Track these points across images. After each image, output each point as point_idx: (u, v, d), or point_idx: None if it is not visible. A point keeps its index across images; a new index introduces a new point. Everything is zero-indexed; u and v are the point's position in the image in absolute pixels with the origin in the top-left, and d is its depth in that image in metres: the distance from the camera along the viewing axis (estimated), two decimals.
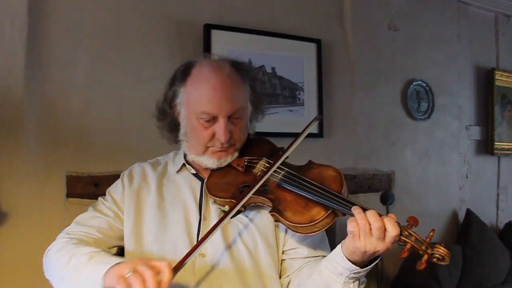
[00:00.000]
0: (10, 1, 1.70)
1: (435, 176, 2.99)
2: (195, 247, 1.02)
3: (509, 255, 2.96)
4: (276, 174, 1.15)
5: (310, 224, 1.04)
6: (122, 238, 1.23)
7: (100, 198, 1.29)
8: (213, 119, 1.16)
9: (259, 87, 1.35)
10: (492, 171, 3.37)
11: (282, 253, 1.21)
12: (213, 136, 1.18)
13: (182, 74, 1.21)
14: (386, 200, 2.53)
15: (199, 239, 1.14)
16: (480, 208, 3.12)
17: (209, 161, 1.21)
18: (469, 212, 3.00)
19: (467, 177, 3.17)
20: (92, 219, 1.22)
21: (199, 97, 1.16)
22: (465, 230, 2.95)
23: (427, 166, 2.95)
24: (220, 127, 1.15)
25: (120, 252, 1.26)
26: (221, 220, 1.06)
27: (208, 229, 1.15)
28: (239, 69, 1.24)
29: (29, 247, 1.72)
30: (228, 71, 1.19)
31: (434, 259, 0.95)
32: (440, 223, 3.02)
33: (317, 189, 1.08)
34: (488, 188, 3.35)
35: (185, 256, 1.00)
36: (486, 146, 3.28)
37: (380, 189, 2.65)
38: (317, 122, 1.28)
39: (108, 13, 1.92)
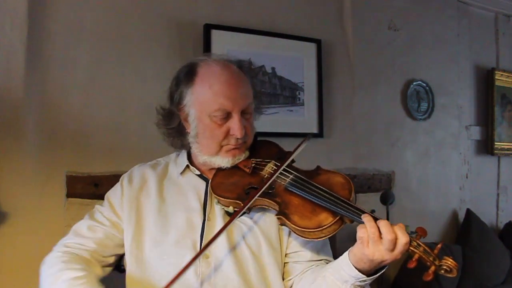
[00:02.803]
0: (10, 1, 1.70)
1: (435, 176, 2.99)
2: (189, 264, 1.03)
3: (509, 255, 2.96)
4: (284, 178, 1.14)
5: (318, 229, 1.03)
6: (120, 246, 1.22)
7: (97, 206, 1.28)
8: (227, 116, 1.16)
9: (258, 85, 1.35)
10: (492, 171, 3.38)
11: (285, 256, 1.20)
12: (227, 133, 1.17)
13: (187, 75, 1.19)
14: (386, 200, 2.53)
15: (203, 241, 1.14)
16: (480, 208, 3.12)
17: (223, 161, 1.20)
18: (469, 212, 3.00)
19: (467, 177, 3.17)
20: (88, 229, 1.21)
21: (212, 95, 1.14)
22: (465, 230, 2.95)
23: (427, 166, 2.96)
24: (235, 123, 1.15)
25: (118, 260, 1.26)
26: (223, 228, 1.07)
27: (212, 230, 1.15)
28: (241, 66, 1.24)
29: (29, 247, 1.72)
30: (235, 67, 1.20)
31: (442, 271, 0.94)
32: (440, 223, 3.02)
33: (326, 194, 1.07)
34: (488, 188, 3.35)
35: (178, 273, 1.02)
36: (486, 146, 3.28)
37: (380, 189, 2.65)
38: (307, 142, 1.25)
39: (108, 13, 1.92)
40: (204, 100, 1.16)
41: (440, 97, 3.00)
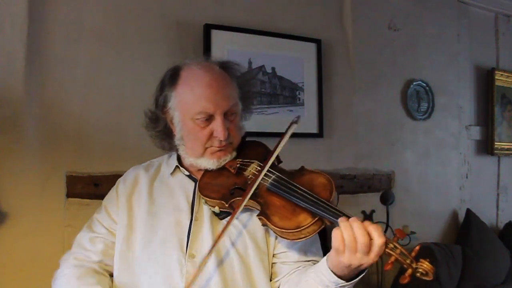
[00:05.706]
0: (10, 1, 1.70)
1: (435, 176, 2.99)
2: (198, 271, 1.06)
3: (509, 255, 2.96)
4: (267, 178, 1.15)
5: (296, 230, 1.03)
6: None
7: (94, 215, 1.29)
8: (210, 118, 1.16)
9: (247, 85, 1.35)
10: (492, 171, 3.37)
11: (273, 256, 1.20)
12: (211, 135, 1.17)
13: (171, 79, 1.21)
14: (386, 200, 2.53)
15: (189, 240, 1.15)
16: (480, 208, 3.12)
17: (209, 163, 1.21)
18: (469, 212, 3.00)
19: (467, 177, 3.17)
20: (89, 242, 1.23)
21: (194, 98, 1.16)
22: (465, 230, 2.94)
23: (427, 166, 2.95)
24: (218, 125, 1.15)
25: None
26: (216, 241, 1.09)
27: (199, 229, 1.16)
28: (225, 67, 1.24)
29: (29, 247, 1.72)
30: (218, 69, 1.21)
31: (418, 274, 0.93)
32: (440, 223, 3.02)
33: (305, 195, 1.07)
34: (488, 188, 3.35)
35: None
36: (486, 146, 3.28)
37: (380, 189, 2.65)
38: (295, 125, 1.25)
39: (108, 13, 1.92)
40: (186, 103, 1.17)
41: (440, 97, 3.00)
